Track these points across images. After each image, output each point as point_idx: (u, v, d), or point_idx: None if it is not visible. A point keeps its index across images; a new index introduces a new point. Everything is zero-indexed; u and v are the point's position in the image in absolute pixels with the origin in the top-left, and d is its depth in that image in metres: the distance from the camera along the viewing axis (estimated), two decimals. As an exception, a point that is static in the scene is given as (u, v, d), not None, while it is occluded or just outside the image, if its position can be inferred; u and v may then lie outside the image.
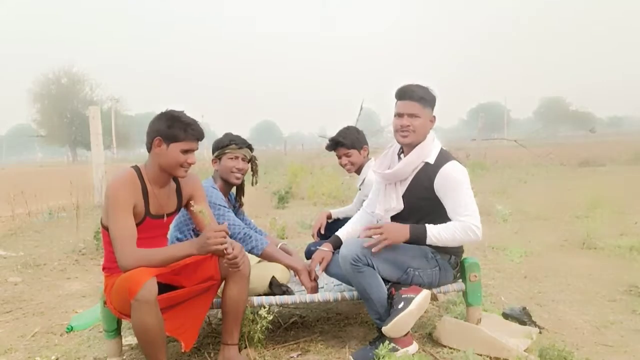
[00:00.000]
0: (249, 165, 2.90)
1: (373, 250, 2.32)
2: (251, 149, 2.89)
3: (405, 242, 2.39)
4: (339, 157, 3.30)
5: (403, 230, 2.38)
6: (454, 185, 2.38)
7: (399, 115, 2.49)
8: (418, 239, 2.38)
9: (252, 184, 3.01)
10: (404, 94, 2.49)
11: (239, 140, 2.84)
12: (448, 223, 2.38)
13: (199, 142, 2.26)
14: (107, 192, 2.15)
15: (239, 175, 2.81)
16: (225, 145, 2.80)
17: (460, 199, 2.37)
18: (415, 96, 2.46)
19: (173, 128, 2.18)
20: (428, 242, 2.37)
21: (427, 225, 2.38)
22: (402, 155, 2.59)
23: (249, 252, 2.62)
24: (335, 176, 10.10)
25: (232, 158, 2.79)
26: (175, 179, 2.37)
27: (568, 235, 5.30)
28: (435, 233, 2.36)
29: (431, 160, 2.46)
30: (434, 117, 2.54)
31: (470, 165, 13.10)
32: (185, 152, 2.21)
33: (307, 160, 17.90)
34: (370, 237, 2.37)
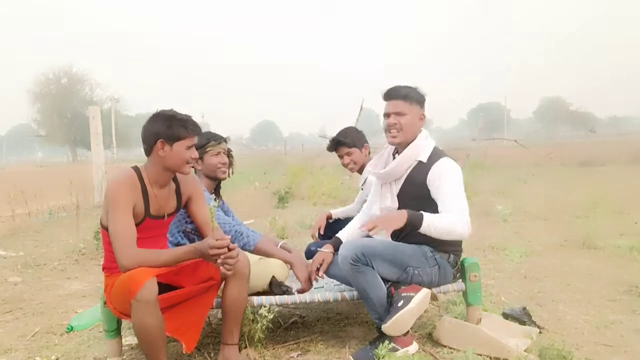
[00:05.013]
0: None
1: (370, 233, 2.29)
2: (226, 141, 2.90)
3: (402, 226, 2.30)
4: (341, 157, 3.30)
5: (400, 216, 2.30)
6: (445, 179, 2.38)
7: (386, 115, 2.53)
8: (414, 223, 2.29)
9: (228, 175, 2.94)
10: (388, 94, 2.52)
11: (216, 136, 2.85)
12: (441, 214, 2.34)
13: None
14: (107, 192, 2.16)
15: (225, 169, 2.83)
16: (205, 144, 2.80)
17: (452, 193, 2.35)
18: (399, 95, 2.48)
19: (173, 127, 2.19)
20: (423, 228, 2.29)
21: (424, 213, 2.32)
22: (396, 155, 2.60)
23: (242, 248, 2.61)
24: (335, 176, 10.10)
25: (215, 155, 2.79)
26: (175, 180, 2.38)
27: (568, 235, 5.30)
28: (430, 222, 2.28)
29: (424, 158, 2.47)
30: (424, 115, 2.55)
31: (470, 165, 13.10)
32: (189, 148, 2.24)
33: (307, 160, 17.86)
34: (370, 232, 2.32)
